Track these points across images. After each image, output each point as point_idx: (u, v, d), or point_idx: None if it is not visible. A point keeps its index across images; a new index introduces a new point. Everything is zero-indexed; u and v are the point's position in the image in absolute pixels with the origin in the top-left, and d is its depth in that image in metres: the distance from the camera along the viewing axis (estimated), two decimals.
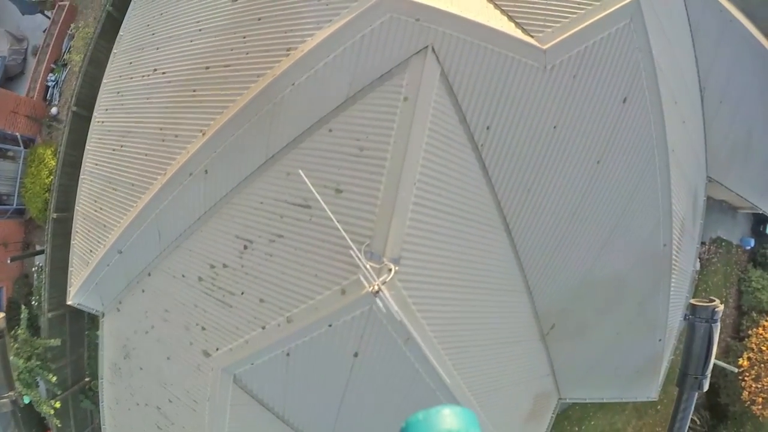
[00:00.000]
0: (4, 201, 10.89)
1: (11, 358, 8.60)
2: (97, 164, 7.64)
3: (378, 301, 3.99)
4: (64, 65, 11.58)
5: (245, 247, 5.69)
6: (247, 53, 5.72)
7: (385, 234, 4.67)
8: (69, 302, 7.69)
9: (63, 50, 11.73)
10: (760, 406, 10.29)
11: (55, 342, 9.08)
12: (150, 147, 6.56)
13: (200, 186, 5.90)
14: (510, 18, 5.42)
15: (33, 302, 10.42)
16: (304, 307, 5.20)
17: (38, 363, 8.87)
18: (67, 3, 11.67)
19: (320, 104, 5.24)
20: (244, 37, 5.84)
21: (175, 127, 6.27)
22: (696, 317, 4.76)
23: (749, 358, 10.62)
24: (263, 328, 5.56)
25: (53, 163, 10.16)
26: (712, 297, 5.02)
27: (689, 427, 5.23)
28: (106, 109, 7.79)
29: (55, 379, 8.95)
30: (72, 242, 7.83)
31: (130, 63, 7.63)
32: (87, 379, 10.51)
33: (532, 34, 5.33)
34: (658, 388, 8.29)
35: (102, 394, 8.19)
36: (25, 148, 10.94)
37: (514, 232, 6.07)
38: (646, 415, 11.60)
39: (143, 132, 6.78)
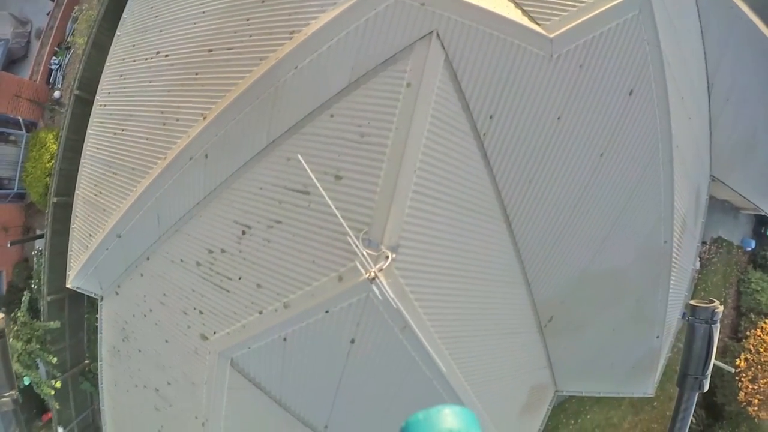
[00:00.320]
0: (5, 185, 10.90)
1: (10, 340, 8.68)
2: (98, 148, 7.62)
3: (374, 288, 3.97)
4: (68, 48, 11.53)
5: (243, 233, 5.68)
6: (250, 36, 5.66)
7: (383, 222, 4.65)
8: (68, 285, 7.73)
9: (66, 33, 11.67)
10: (756, 408, 10.30)
11: (54, 325, 9.14)
12: (151, 131, 6.53)
13: (200, 170, 5.88)
14: (517, 5, 5.33)
15: (33, 286, 10.48)
16: (301, 293, 5.20)
17: (38, 346, 8.95)
18: None
19: (322, 89, 5.19)
20: (248, 20, 5.77)
21: (176, 111, 6.24)
22: (695, 318, 4.72)
23: (746, 360, 10.62)
24: (260, 313, 5.57)
25: (55, 147, 10.16)
26: (711, 298, 4.98)
27: None
28: (109, 93, 7.75)
29: (55, 360, 9.03)
30: (72, 226, 7.85)
31: (134, 46, 7.58)
32: (86, 362, 10.61)
33: (539, 22, 5.24)
34: (655, 384, 8.30)
35: (101, 376, 8.26)
36: (27, 132, 10.92)
37: (514, 223, 6.03)
38: (643, 411, 11.64)
39: (144, 116, 6.75)
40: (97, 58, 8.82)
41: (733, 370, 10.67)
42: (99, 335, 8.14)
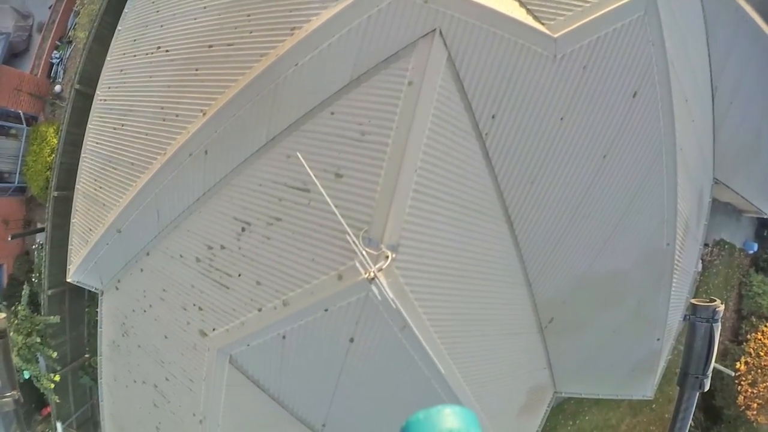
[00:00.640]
0: (6, 179, 10.90)
1: (11, 334, 8.71)
2: (98, 143, 7.60)
3: (373, 288, 3.95)
4: (69, 42, 11.49)
5: (243, 229, 5.67)
6: (251, 32, 5.61)
7: (383, 220, 4.62)
8: (68, 279, 7.74)
9: (68, 27, 11.62)
10: (754, 412, 10.28)
11: (54, 319, 9.17)
12: (151, 126, 6.50)
13: (200, 166, 5.85)
14: (521, 4, 5.27)
15: (33, 279, 10.50)
16: (300, 291, 5.18)
17: (38, 339, 8.98)
18: None
19: (323, 86, 5.15)
20: (249, 15, 5.72)
21: (176, 107, 6.20)
22: (697, 317, 4.71)
23: (746, 363, 10.59)
24: (259, 310, 5.56)
25: (55, 141, 10.14)
26: (712, 297, 4.97)
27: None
28: (109, 87, 7.72)
29: (55, 354, 9.06)
30: (72, 220, 7.84)
31: (134, 40, 7.54)
32: (86, 356, 10.64)
33: (543, 21, 5.19)
34: (654, 386, 8.28)
35: (100, 370, 8.28)
36: (27, 125, 10.91)
37: (516, 223, 6.00)
38: (641, 413, 11.64)
39: (144, 111, 6.72)
40: (98, 52, 8.79)
41: (733, 374, 10.64)
42: (99, 330, 8.14)
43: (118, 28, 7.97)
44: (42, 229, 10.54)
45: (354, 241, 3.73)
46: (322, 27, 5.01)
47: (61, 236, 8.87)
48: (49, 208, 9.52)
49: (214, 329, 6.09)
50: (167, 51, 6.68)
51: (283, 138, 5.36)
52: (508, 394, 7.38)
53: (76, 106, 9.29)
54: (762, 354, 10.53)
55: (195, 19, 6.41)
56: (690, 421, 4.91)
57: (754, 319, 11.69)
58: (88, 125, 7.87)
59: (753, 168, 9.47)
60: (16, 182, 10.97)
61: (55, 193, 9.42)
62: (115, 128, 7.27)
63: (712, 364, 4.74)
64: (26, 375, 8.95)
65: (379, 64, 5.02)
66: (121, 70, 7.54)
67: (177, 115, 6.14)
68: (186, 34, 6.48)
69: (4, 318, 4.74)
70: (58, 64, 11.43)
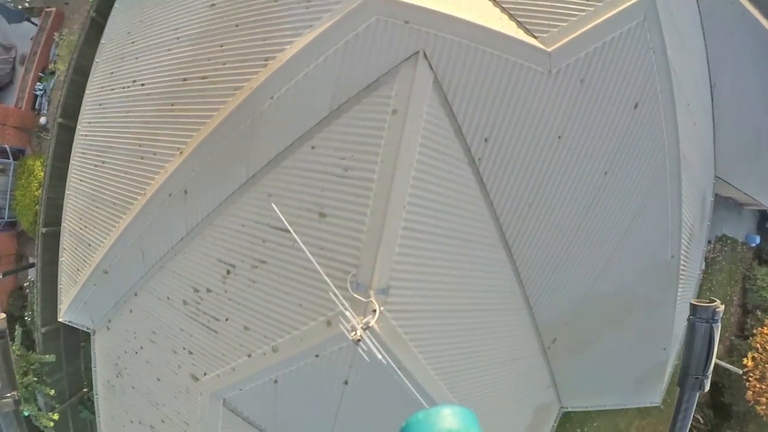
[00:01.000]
0: None
1: None
2: (81, 180, 7.38)
3: (359, 350, 3.64)
4: (52, 73, 11.29)
5: (228, 272, 5.39)
6: (224, 63, 5.33)
7: (372, 263, 4.32)
8: (60, 319, 7.56)
9: (50, 58, 11.42)
10: (764, 407, 9.92)
11: (50, 358, 8.99)
12: (130, 164, 6.26)
13: (180, 207, 5.58)
14: (511, 17, 4.93)
15: (26, 317, 10.34)
16: (289, 338, 4.91)
17: (35, 379, 8.80)
18: (54, 9, 11.31)
19: (302, 119, 4.85)
20: (222, 46, 5.44)
21: (153, 144, 5.94)
22: (696, 317, 4.52)
23: (753, 358, 10.19)
24: (249, 356, 5.30)
25: (42, 175, 9.95)
26: (712, 297, 4.75)
27: (693, 425, 4.99)
28: (89, 122, 7.49)
29: (53, 392, 8.89)
30: (60, 259, 7.65)
31: (112, 73, 7.29)
32: (85, 390, 10.46)
33: (535, 34, 4.84)
34: (662, 393, 7.95)
35: (98, 409, 8.11)
36: (14, 159, 10.74)
37: (514, 249, 5.66)
38: (650, 415, 11.31)
39: (123, 148, 6.48)
40: (79, 84, 8.54)
41: (740, 371, 10.28)
42: (93, 369, 7.97)
43: (96, 60, 7.74)
44: (33, 265, 10.36)
45: (341, 302, 3.42)
46: (296, 56, 4.70)
47: (52, 272, 8.65)
48: (38, 245, 9.33)
49: (205, 374, 5.85)
50: (143, 84, 6.43)
51: (263, 175, 5.07)
52: (513, 416, 7.09)
53: (59, 140, 9.07)
54: None
55: (169, 50, 6.14)
56: (690, 421, 4.72)
57: (760, 313, 11.35)
58: (71, 161, 7.66)
59: (754, 163, 9.12)
60: (6, 217, 10.81)
61: (44, 230, 9.23)
62: (96, 165, 7.04)
63: (712, 364, 4.58)
64: (25, 413, 8.79)
65: (360, 93, 4.70)
66: (100, 105, 7.30)
67: (155, 153, 5.88)
68: (161, 66, 6.21)
69: (4, 318, 4.61)
70: (42, 96, 11.24)
